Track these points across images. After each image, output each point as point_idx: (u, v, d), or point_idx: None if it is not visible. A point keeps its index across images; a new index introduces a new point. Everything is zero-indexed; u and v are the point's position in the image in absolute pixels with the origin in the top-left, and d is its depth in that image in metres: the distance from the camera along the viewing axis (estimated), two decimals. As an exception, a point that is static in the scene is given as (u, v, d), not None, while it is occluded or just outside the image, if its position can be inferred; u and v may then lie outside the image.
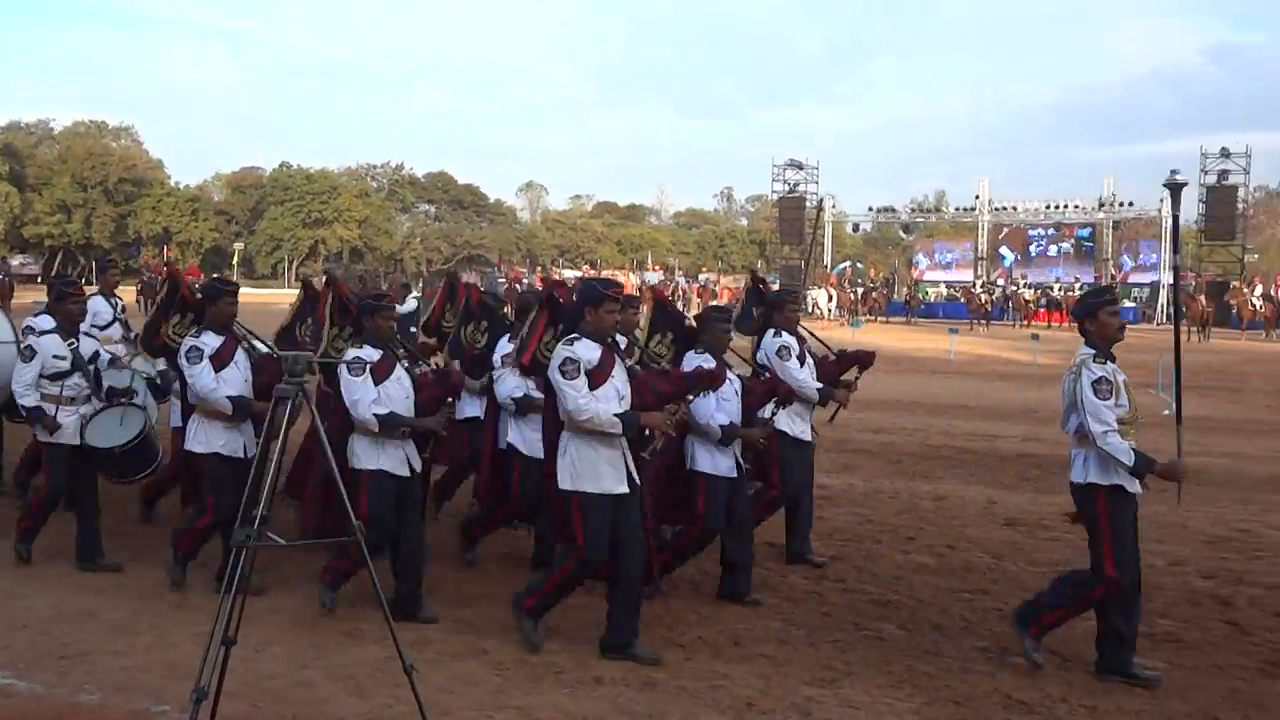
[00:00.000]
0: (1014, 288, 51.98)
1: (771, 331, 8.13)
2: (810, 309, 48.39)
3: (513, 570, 7.91)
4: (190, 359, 7.21)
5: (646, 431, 6.47)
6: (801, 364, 8.04)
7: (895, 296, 55.00)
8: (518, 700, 5.58)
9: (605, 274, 62.33)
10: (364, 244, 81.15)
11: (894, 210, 63.16)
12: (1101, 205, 55.33)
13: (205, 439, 7.30)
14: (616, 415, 6.03)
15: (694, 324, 7.69)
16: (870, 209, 63.09)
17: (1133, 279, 54.56)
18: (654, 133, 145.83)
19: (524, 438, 7.67)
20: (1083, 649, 6.29)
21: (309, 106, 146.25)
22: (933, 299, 55.52)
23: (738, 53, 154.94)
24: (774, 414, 7.53)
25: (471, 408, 8.59)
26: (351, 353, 6.75)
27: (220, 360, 7.25)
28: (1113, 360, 5.99)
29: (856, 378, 8.43)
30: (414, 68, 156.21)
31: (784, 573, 8.05)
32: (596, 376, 6.04)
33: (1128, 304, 49.68)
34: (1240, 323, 40.54)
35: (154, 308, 8.17)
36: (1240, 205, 51.16)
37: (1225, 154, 49.56)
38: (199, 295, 7.78)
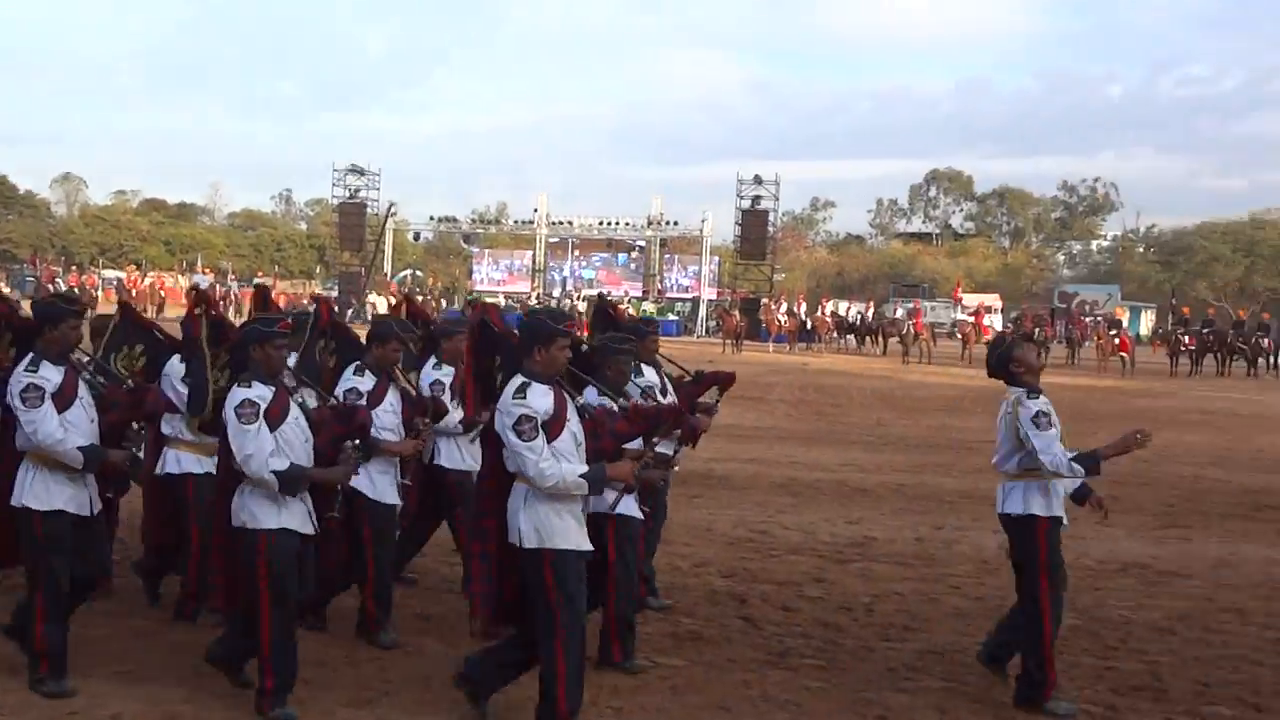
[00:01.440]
0: (569, 300, 53.91)
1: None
2: (370, 315, 47.89)
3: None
4: (27, 401, 5.74)
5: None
6: (665, 396, 7.36)
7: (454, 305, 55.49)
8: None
9: (151, 275, 58.78)
10: None
11: (456, 220, 63.85)
12: (651, 223, 58.55)
13: (44, 493, 5.85)
14: (582, 476, 5.31)
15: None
16: (432, 218, 63.46)
17: (676, 295, 58.22)
18: (210, 128, 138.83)
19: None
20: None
21: None
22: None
23: (302, 52, 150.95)
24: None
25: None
26: (240, 393, 5.50)
27: (64, 400, 5.84)
28: (1042, 393, 6.25)
29: (717, 400, 7.85)
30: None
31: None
32: (553, 427, 5.33)
33: (671, 317, 52.84)
34: (769, 336, 44.05)
35: None
36: (771, 229, 55.74)
37: (758, 180, 53.84)
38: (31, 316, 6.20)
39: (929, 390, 26.07)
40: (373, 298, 50.67)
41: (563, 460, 5.31)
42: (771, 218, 55.48)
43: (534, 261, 60.32)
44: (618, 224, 59.41)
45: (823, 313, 46.54)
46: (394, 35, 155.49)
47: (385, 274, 58.23)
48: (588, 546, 5.47)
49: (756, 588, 8.51)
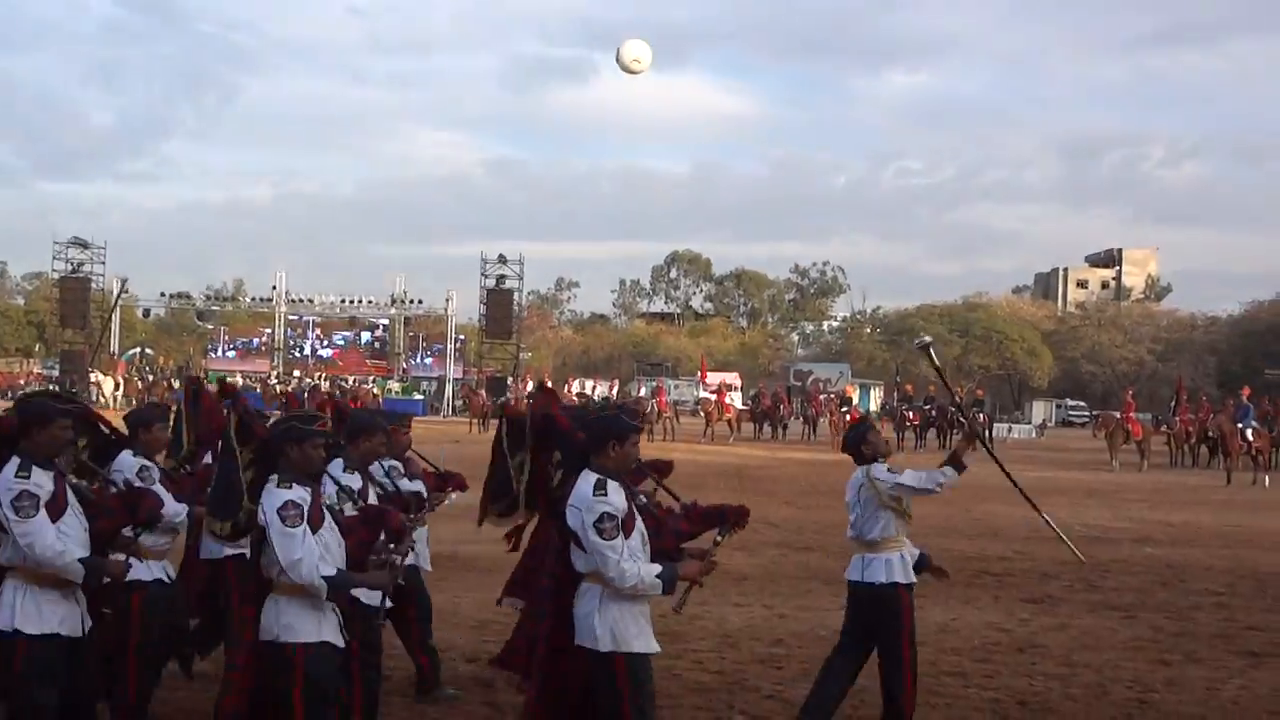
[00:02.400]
0: (310, 381, 52.50)
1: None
2: (96, 396, 45.51)
3: None
4: (20, 510, 5.09)
5: None
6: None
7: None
8: None
9: None
10: None
11: (189, 296, 61.50)
12: (394, 302, 57.86)
13: (36, 615, 5.18)
14: (658, 576, 5.13)
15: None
16: (164, 294, 60.80)
17: (420, 373, 57.61)
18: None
19: None
20: None
21: None
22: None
23: (20, 118, 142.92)
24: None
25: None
26: (281, 494, 5.08)
27: (56, 508, 5.21)
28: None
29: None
30: None
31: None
32: (626, 526, 5.12)
33: (417, 396, 52.19)
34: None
35: None
36: (516, 308, 56.06)
37: (502, 260, 54.18)
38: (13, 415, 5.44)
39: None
40: (97, 377, 48.09)
41: (637, 560, 5.14)
42: (517, 297, 55.94)
43: (273, 340, 58.59)
44: (360, 302, 58.50)
45: (569, 392, 46.98)
46: (121, 103, 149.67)
47: (113, 353, 55.33)
48: (656, 648, 5.32)
49: (501, 672, 8.38)
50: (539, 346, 77.83)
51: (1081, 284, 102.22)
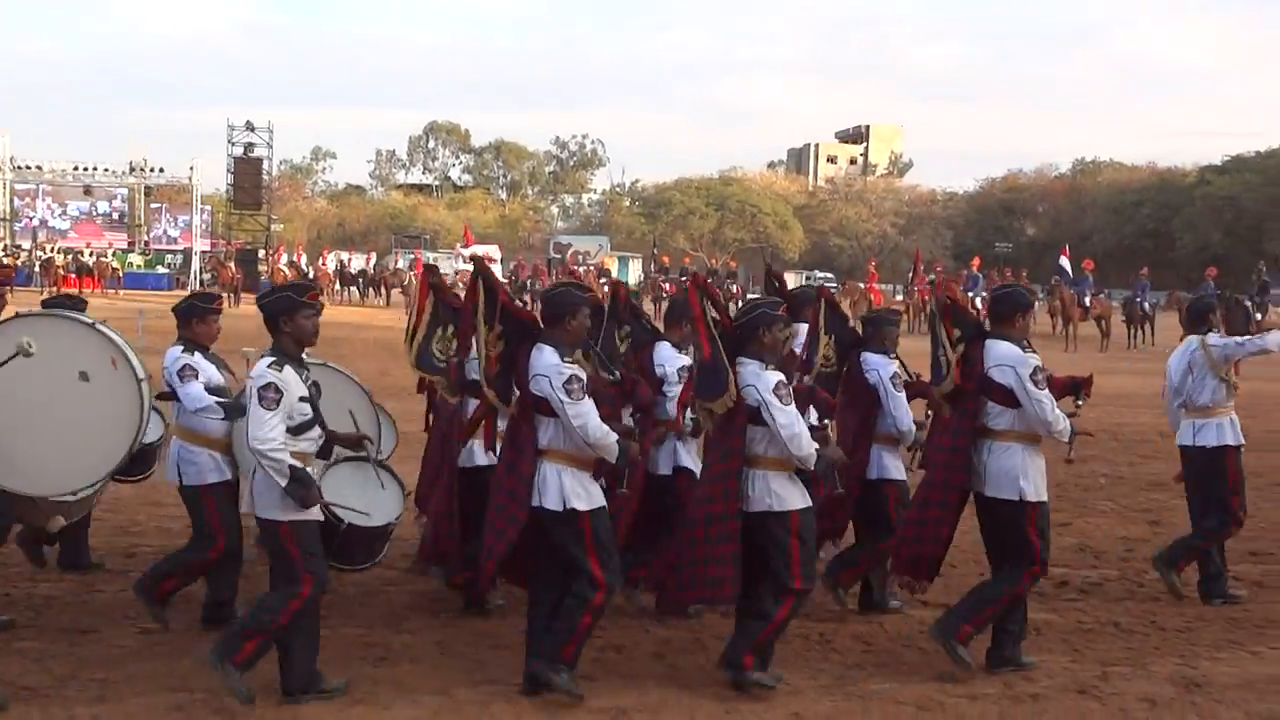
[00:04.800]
0: (43, 253, 49.32)
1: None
2: None
3: None
4: (572, 393, 5.52)
5: None
6: None
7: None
8: None
9: None
10: None
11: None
12: (133, 169, 54.61)
13: (584, 492, 5.69)
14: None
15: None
16: None
17: (164, 246, 54.96)
18: None
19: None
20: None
21: None
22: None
23: None
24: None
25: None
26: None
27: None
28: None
29: None
30: None
31: None
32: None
33: (161, 270, 50.01)
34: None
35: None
36: (266, 177, 53.86)
37: (250, 127, 51.71)
38: None
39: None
40: None
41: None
42: (267, 166, 53.63)
43: (-1, 209, 54.67)
44: (95, 170, 54.89)
45: (324, 264, 45.80)
46: None
47: None
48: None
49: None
50: (292, 218, 75.10)
51: (832, 159, 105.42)
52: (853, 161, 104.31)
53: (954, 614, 6.19)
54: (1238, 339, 7.58)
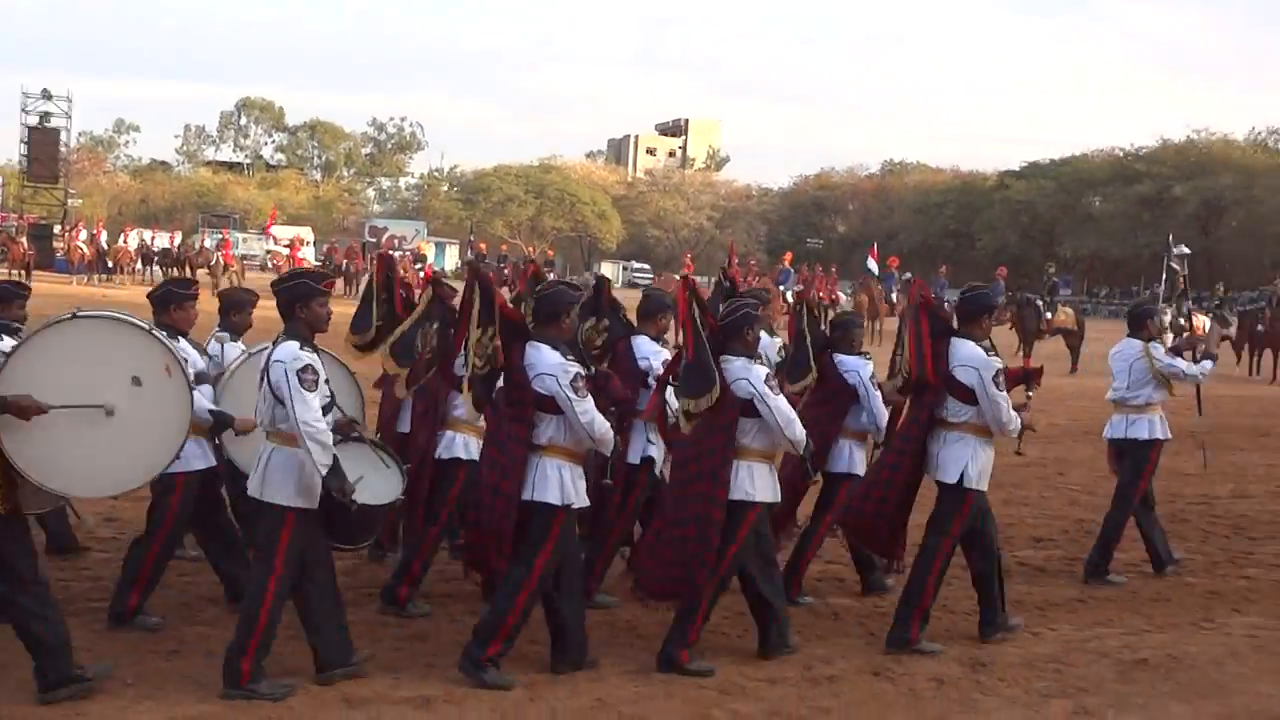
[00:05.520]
0: None
1: None
2: None
3: None
4: (577, 390, 5.69)
5: None
6: None
7: None
8: None
9: None
10: None
11: None
12: (-85, 136, 51.40)
13: (574, 489, 5.87)
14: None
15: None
16: None
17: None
18: None
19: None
20: None
21: None
22: None
23: None
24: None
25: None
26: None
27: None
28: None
29: None
30: None
31: None
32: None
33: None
34: (70, 266, 40.68)
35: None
36: (64, 149, 51.40)
37: (47, 95, 49.28)
38: None
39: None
40: None
41: None
42: (64, 137, 51.17)
43: None
44: (-127, 135, 51.50)
45: (125, 242, 43.88)
46: None
47: None
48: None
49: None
50: (91, 193, 71.75)
51: (651, 151, 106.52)
52: (671, 154, 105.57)
53: (898, 619, 6.58)
54: (1184, 366, 8.20)
